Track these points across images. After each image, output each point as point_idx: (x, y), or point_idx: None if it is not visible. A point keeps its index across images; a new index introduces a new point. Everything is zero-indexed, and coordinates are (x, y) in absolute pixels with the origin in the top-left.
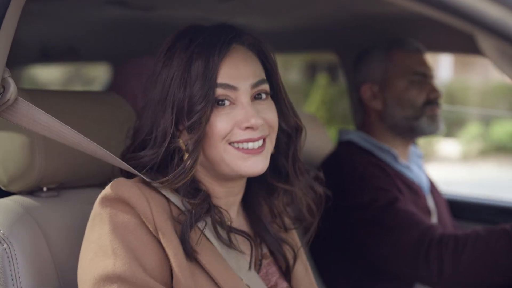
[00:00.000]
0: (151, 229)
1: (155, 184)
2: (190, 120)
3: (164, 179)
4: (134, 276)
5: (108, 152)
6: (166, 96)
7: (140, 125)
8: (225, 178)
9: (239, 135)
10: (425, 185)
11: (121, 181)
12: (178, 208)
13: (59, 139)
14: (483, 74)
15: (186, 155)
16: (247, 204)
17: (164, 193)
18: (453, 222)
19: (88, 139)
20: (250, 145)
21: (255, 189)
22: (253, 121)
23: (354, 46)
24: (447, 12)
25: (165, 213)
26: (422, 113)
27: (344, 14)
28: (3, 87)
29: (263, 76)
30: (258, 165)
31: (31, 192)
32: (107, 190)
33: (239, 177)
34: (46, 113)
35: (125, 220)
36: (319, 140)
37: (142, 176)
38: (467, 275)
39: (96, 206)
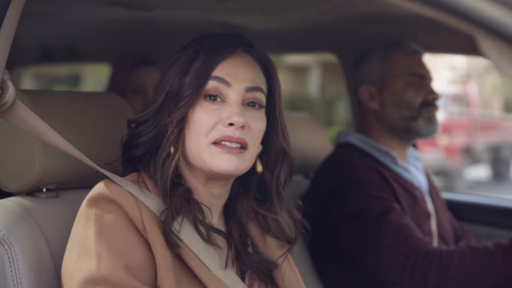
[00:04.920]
0: (139, 227)
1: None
2: (176, 105)
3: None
4: (118, 278)
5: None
6: (165, 85)
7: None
8: (205, 176)
9: (221, 131)
10: (424, 187)
11: (108, 181)
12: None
13: (55, 144)
14: None
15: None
16: (231, 213)
17: (139, 195)
18: (459, 223)
19: (68, 143)
20: (228, 143)
21: (240, 201)
22: (235, 118)
23: (353, 47)
24: (447, 12)
25: (152, 213)
26: (419, 114)
27: (344, 15)
28: (2, 89)
29: (262, 86)
30: (231, 163)
31: (31, 193)
32: (94, 191)
33: (213, 173)
34: (38, 118)
35: (111, 220)
36: (317, 141)
37: (108, 174)
38: None
39: (83, 208)
